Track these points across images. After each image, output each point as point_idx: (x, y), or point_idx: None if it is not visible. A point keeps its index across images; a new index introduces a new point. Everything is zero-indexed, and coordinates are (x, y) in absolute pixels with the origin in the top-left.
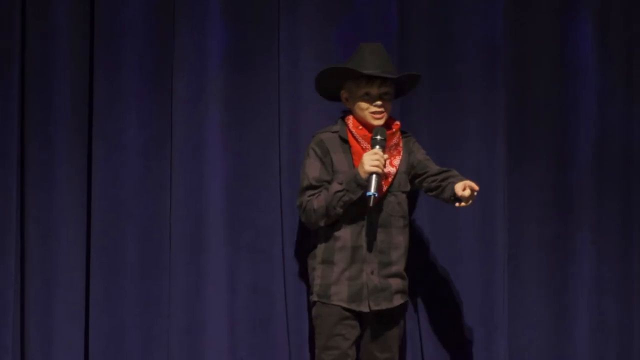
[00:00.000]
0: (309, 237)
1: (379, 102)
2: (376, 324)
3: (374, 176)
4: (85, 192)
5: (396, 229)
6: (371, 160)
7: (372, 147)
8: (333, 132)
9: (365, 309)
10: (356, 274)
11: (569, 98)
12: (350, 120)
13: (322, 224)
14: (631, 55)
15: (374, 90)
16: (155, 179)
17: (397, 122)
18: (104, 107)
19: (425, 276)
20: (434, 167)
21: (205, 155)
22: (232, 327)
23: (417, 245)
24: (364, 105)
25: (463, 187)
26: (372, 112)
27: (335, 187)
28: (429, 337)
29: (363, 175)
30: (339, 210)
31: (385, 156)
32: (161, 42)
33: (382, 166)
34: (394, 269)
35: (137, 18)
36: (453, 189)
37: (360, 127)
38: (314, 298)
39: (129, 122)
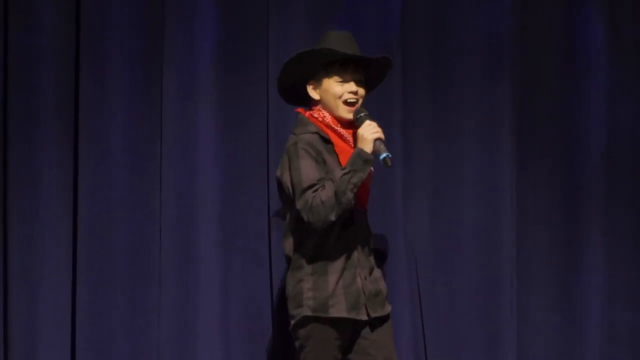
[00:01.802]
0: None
1: (354, 87)
2: (367, 334)
3: (378, 142)
4: (71, 195)
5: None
6: (370, 129)
7: (360, 124)
8: (312, 133)
9: (364, 317)
10: (350, 281)
11: (578, 94)
12: (328, 117)
13: (333, 217)
14: None
15: (348, 76)
16: (145, 181)
17: None
18: (90, 108)
19: (429, 281)
20: None
21: (196, 157)
22: (225, 333)
23: (420, 250)
24: (337, 91)
25: None
26: (345, 99)
27: (339, 172)
28: (434, 344)
29: (367, 149)
30: (350, 195)
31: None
32: (150, 41)
33: (380, 131)
34: (377, 272)
35: (124, 16)
36: None
37: (339, 125)
38: (306, 312)
39: (116, 123)
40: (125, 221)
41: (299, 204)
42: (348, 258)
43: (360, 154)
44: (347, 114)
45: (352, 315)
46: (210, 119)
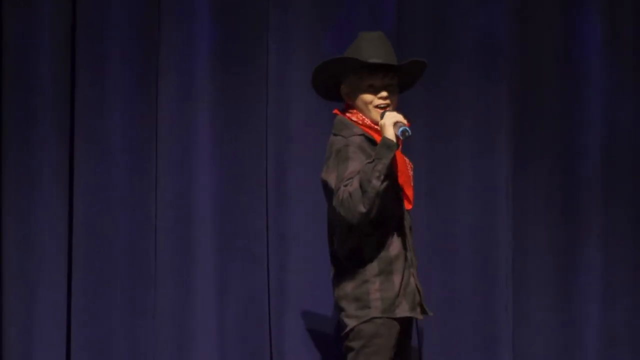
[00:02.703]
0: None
1: (384, 93)
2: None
3: (399, 124)
4: (67, 196)
5: None
6: (390, 116)
7: (382, 117)
8: (360, 135)
9: (420, 316)
10: (408, 281)
11: (577, 94)
12: (366, 119)
13: (362, 209)
14: None
15: (378, 82)
16: (142, 181)
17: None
18: (86, 108)
19: (425, 281)
20: None
21: (193, 157)
22: (222, 334)
23: (417, 249)
24: (367, 97)
25: None
26: (376, 105)
27: (364, 163)
28: (430, 345)
29: (389, 134)
30: (375, 182)
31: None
32: (147, 40)
33: (400, 116)
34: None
35: (121, 15)
36: None
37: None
38: (375, 314)
39: (113, 122)
40: (122, 222)
41: (333, 202)
42: (405, 257)
43: (383, 141)
44: (378, 116)
45: (413, 314)
46: (208, 119)
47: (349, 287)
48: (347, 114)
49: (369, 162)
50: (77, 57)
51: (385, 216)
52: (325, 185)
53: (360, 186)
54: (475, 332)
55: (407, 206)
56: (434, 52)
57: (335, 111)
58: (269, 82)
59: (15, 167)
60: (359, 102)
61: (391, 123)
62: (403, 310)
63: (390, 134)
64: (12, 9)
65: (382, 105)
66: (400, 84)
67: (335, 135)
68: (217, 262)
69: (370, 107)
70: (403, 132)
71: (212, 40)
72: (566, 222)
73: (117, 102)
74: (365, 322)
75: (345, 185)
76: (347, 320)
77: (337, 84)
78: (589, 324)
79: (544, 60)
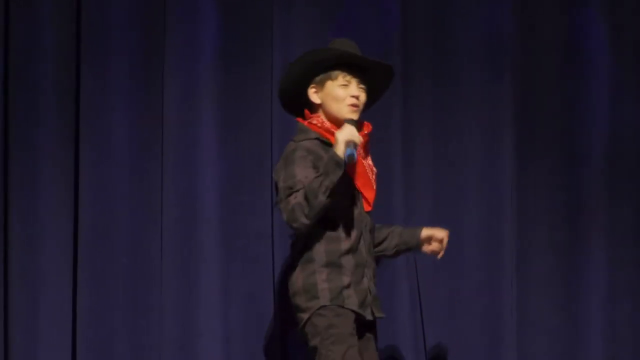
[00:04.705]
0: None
1: (356, 92)
2: (368, 336)
3: (351, 144)
4: (72, 195)
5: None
6: (344, 132)
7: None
8: (312, 139)
9: (369, 316)
10: (359, 279)
11: (579, 94)
12: (327, 122)
13: (306, 220)
14: None
15: (351, 80)
16: (146, 181)
17: (369, 124)
18: (91, 107)
19: (429, 282)
20: None
21: (198, 157)
22: (226, 335)
23: (420, 251)
24: (340, 94)
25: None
26: (349, 103)
27: (313, 176)
28: (434, 345)
29: (340, 152)
30: (322, 197)
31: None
32: (151, 39)
33: (356, 136)
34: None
35: (125, 15)
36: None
37: (334, 127)
38: (323, 302)
39: (117, 122)
40: (126, 221)
41: (279, 204)
42: (358, 256)
43: (332, 156)
44: (351, 114)
45: (361, 311)
46: (212, 118)
47: (299, 280)
48: (307, 121)
49: (317, 177)
50: (81, 58)
51: (334, 214)
52: (276, 185)
53: (307, 199)
54: (480, 332)
55: (367, 208)
56: (436, 52)
57: (299, 119)
58: (274, 81)
59: (20, 167)
60: (329, 101)
61: (344, 140)
62: (352, 304)
63: (340, 151)
64: (17, 9)
65: (354, 105)
66: (368, 94)
67: (292, 140)
68: (222, 262)
69: (342, 105)
70: (350, 156)
71: (216, 39)
72: (570, 221)
73: (121, 102)
74: (316, 313)
75: (291, 195)
76: (300, 315)
77: (302, 92)
78: (592, 323)
79: (548, 60)
